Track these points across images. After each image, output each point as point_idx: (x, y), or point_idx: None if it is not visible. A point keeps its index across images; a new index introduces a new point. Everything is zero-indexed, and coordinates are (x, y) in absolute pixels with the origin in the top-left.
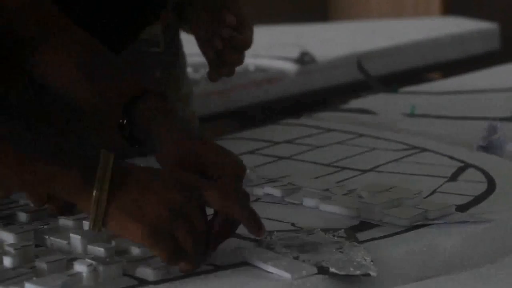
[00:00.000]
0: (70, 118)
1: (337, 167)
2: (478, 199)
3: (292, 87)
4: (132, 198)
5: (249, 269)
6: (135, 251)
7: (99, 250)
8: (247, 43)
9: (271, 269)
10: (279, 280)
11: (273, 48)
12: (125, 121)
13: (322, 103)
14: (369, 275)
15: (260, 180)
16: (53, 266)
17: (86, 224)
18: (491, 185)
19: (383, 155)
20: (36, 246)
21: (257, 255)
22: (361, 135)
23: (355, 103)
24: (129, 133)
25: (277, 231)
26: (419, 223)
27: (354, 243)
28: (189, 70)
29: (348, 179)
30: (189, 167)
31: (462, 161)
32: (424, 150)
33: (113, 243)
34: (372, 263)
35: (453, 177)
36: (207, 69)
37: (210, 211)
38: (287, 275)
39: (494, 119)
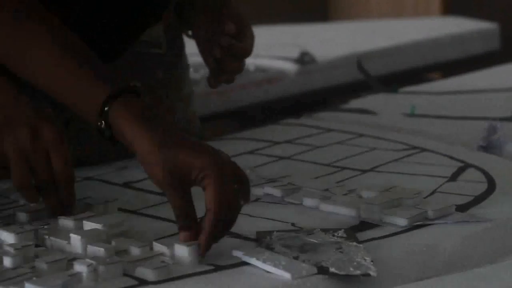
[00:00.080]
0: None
1: (337, 167)
2: (478, 199)
3: (292, 87)
4: None
5: (249, 269)
6: (135, 251)
7: (99, 250)
8: (247, 51)
9: (271, 269)
10: (279, 280)
11: (273, 48)
12: (102, 124)
13: (322, 103)
14: (369, 275)
15: (260, 180)
16: (53, 266)
17: (86, 224)
18: (491, 185)
19: (383, 155)
20: (36, 246)
21: (257, 255)
22: (361, 135)
23: (355, 103)
24: (110, 135)
25: (277, 231)
26: (419, 223)
27: (354, 243)
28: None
29: (348, 179)
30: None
31: (462, 161)
32: (424, 150)
33: (113, 243)
34: (372, 263)
35: (453, 177)
36: (208, 72)
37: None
38: (286, 275)
39: (494, 119)
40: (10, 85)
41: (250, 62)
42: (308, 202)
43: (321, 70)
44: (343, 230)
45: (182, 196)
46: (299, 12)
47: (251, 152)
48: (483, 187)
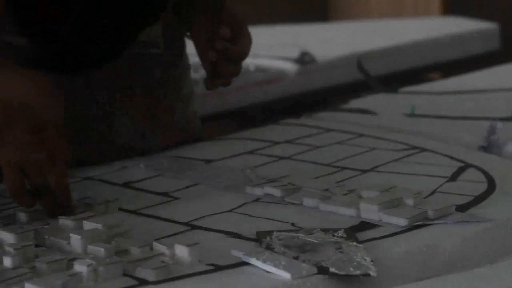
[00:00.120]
0: None
1: (337, 167)
2: (478, 199)
3: (292, 87)
4: None
5: (249, 269)
6: (135, 251)
7: (99, 250)
8: (243, 55)
9: (271, 269)
10: (279, 280)
11: (273, 48)
12: None
13: (322, 103)
14: (369, 275)
15: (260, 180)
16: (53, 266)
17: (86, 224)
18: (491, 185)
19: (383, 155)
20: (36, 246)
21: (257, 255)
22: (361, 135)
23: (355, 103)
24: None
25: (277, 231)
26: (419, 223)
27: (354, 243)
28: None
29: (348, 179)
30: None
31: (462, 161)
32: (424, 150)
33: (113, 243)
34: (372, 263)
35: (453, 177)
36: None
37: None
38: (287, 275)
39: (494, 119)
40: (23, 83)
41: (250, 62)
42: (308, 202)
43: (321, 70)
44: (343, 230)
45: None
46: (299, 12)
47: (251, 152)
48: (483, 187)
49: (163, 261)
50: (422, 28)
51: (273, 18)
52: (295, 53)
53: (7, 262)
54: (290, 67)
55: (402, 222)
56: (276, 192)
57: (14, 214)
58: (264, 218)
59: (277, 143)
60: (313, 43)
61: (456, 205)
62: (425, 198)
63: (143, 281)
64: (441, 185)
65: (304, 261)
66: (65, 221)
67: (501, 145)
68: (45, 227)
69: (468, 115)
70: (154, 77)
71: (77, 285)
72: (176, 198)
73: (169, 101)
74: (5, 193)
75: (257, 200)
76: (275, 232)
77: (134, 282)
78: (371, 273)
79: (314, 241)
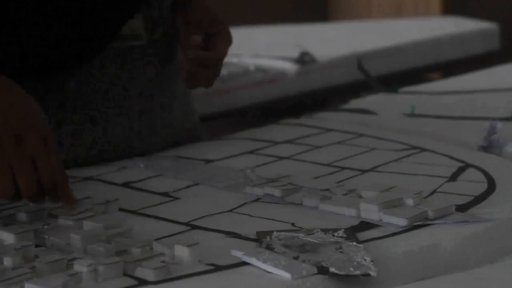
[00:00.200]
0: None
1: (337, 167)
2: (478, 199)
3: (292, 87)
4: None
5: (249, 269)
6: (135, 251)
7: (99, 250)
8: (218, 60)
9: (271, 269)
10: (279, 280)
11: (273, 48)
12: None
13: (322, 103)
14: (369, 275)
15: (260, 180)
16: (53, 266)
17: (86, 224)
18: (491, 185)
19: (383, 155)
20: (36, 246)
21: (257, 255)
22: (361, 135)
23: (355, 103)
24: None
25: (277, 231)
26: (419, 223)
27: (354, 243)
28: None
29: (348, 179)
30: None
31: (462, 161)
32: (424, 150)
33: (113, 243)
34: (372, 263)
35: (453, 177)
36: None
37: None
38: (287, 275)
39: (494, 119)
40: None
41: (250, 62)
42: (308, 202)
43: (321, 70)
44: (343, 230)
45: None
46: (299, 12)
47: (251, 152)
48: (483, 187)
49: (163, 261)
50: (422, 28)
51: (273, 18)
52: (295, 53)
53: (7, 262)
54: (290, 67)
55: (402, 222)
56: (276, 192)
57: (14, 214)
58: (264, 218)
59: (277, 143)
60: (313, 43)
61: (456, 205)
62: (425, 198)
63: (143, 281)
64: (441, 185)
65: (304, 261)
66: (65, 221)
67: (501, 145)
68: (45, 227)
69: (468, 115)
70: (147, 74)
71: (77, 285)
72: (176, 198)
73: (164, 99)
74: None
75: (257, 200)
76: (275, 232)
77: (134, 282)
78: (371, 273)
79: (314, 241)
